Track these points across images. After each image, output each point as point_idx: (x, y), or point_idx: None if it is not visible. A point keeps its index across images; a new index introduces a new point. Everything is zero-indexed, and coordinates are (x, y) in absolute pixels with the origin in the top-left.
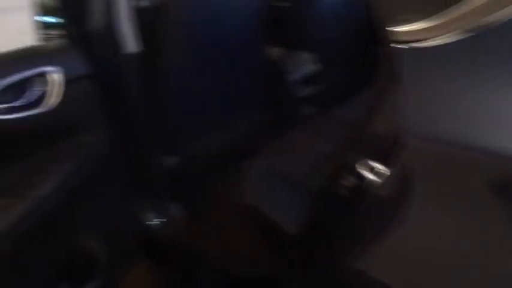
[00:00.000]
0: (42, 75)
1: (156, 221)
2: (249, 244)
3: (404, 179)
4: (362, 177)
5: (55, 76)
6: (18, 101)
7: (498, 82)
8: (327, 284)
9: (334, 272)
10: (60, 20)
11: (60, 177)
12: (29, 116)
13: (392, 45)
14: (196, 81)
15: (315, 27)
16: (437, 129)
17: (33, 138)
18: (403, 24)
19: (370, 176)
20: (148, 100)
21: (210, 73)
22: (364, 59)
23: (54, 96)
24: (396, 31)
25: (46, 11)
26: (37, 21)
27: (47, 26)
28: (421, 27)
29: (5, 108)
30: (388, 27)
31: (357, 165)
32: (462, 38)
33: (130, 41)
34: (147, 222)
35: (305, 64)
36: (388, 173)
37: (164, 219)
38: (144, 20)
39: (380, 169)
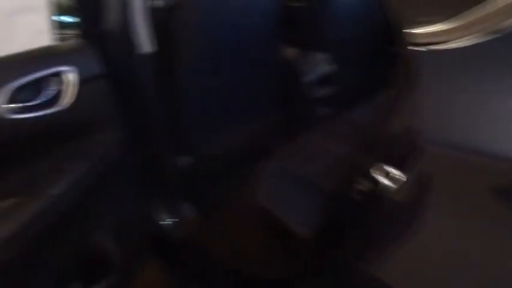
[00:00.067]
0: (58, 74)
1: (168, 221)
2: (260, 245)
3: (421, 186)
4: (376, 182)
5: (70, 76)
6: (33, 101)
7: None
8: (338, 287)
9: (346, 275)
10: (76, 20)
11: (73, 177)
12: (44, 115)
13: (409, 47)
14: (210, 81)
15: (330, 27)
16: (457, 136)
17: (48, 138)
18: (422, 26)
19: (385, 181)
20: (163, 100)
21: (224, 73)
22: (380, 60)
23: (69, 96)
24: (414, 33)
25: (62, 11)
26: (53, 21)
27: (63, 25)
28: (441, 29)
29: (20, 108)
30: (405, 29)
31: (371, 170)
32: (485, 40)
33: (145, 40)
34: (159, 222)
35: (320, 65)
36: (404, 179)
37: (177, 220)
38: (159, 19)
39: (395, 174)
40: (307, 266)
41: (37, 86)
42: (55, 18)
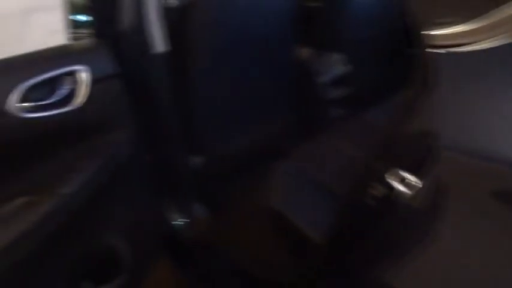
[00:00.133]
0: (71, 74)
1: (180, 221)
2: (271, 247)
3: (437, 193)
4: (391, 188)
5: (83, 75)
6: (46, 100)
7: None
8: None
9: (358, 282)
10: (90, 19)
11: (85, 176)
12: (56, 115)
13: (428, 49)
14: (224, 81)
15: (347, 27)
16: (476, 142)
17: (60, 137)
18: (441, 27)
19: (400, 187)
20: (176, 100)
21: (238, 73)
22: (397, 62)
23: (81, 95)
24: (433, 34)
25: (76, 10)
26: (68, 20)
27: (77, 24)
28: (462, 31)
29: (33, 106)
30: (424, 30)
31: (386, 175)
32: (509, 42)
33: (158, 40)
34: (171, 222)
35: (335, 65)
36: (420, 185)
37: (188, 220)
38: (173, 19)
39: (411, 180)
40: (317, 271)
41: (50, 85)
42: (69, 17)
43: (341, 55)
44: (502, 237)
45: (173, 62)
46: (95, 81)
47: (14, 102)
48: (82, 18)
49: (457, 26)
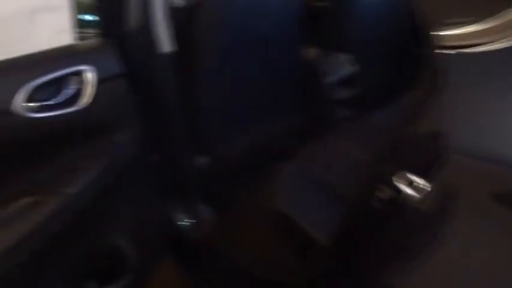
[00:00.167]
0: (77, 74)
1: (186, 222)
2: (277, 249)
3: (446, 197)
4: (399, 191)
5: (89, 75)
6: (52, 100)
7: None
8: None
9: (364, 285)
10: (97, 18)
11: (91, 176)
12: (62, 114)
13: (438, 50)
14: (230, 81)
15: (354, 27)
16: (486, 145)
17: (66, 137)
18: (451, 28)
19: (408, 190)
20: (182, 100)
21: (244, 73)
22: (405, 62)
23: (87, 95)
24: (443, 35)
25: (83, 9)
26: (75, 20)
27: (83, 24)
28: (473, 31)
29: (39, 106)
30: (433, 30)
31: (394, 178)
32: None
33: (165, 40)
34: (177, 223)
35: (342, 65)
36: (429, 189)
37: (194, 220)
38: (180, 19)
39: (419, 183)
40: (323, 274)
41: (56, 85)
42: (76, 16)
43: (348, 55)
44: None
45: (179, 62)
46: (101, 81)
47: (20, 102)
48: (89, 17)
49: (469, 26)
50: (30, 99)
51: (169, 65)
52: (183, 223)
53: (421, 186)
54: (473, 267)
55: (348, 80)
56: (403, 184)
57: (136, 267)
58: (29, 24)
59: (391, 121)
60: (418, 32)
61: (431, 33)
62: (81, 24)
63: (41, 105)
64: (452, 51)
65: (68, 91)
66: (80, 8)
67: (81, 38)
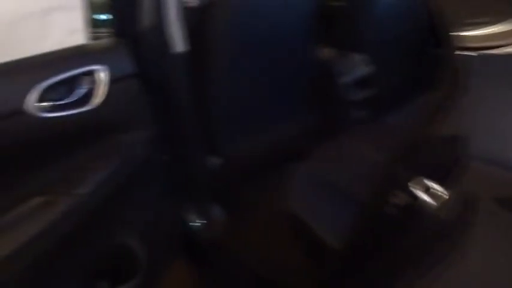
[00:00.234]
0: (90, 73)
1: (197, 222)
2: (287, 251)
3: (465, 205)
4: (415, 197)
5: (102, 75)
6: (65, 99)
7: None
8: None
9: None
10: (110, 18)
11: (101, 176)
12: (74, 114)
13: (458, 51)
14: (243, 81)
15: (370, 27)
16: (510, 153)
17: (78, 136)
18: (473, 28)
19: (425, 197)
20: (194, 100)
21: (258, 73)
22: (423, 63)
23: (100, 95)
24: (463, 35)
25: (96, 9)
26: (88, 20)
27: (96, 23)
28: (495, 32)
29: (51, 106)
30: (453, 31)
31: (410, 183)
32: None
33: (178, 40)
34: (188, 223)
35: (358, 66)
36: (447, 196)
37: (205, 221)
38: (193, 19)
39: (437, 190)
40: (334, 279)
41: (69, 85)
42: (89, 16)
43: (364, 56)
44: None
45: (192, 62)
46: (114, 81)
47: (33, 101)
48: (102, 17)
49: (491, 26)
50: (42, 99)
51: (182, 64)
52: (194, 224)
53: (438, 193)
54: (494, 279)
55: (363, 81)
56: (420, 190)
57: (147, 267)
58: (42, 24)
59: (408, 124)
60: (436, 32)
61: (451, 33)
62: (95, 24)
63: (53, 105)
64: (474, 53)
65: (80, 91)
66: (94, 8)
67: (95, 38)
